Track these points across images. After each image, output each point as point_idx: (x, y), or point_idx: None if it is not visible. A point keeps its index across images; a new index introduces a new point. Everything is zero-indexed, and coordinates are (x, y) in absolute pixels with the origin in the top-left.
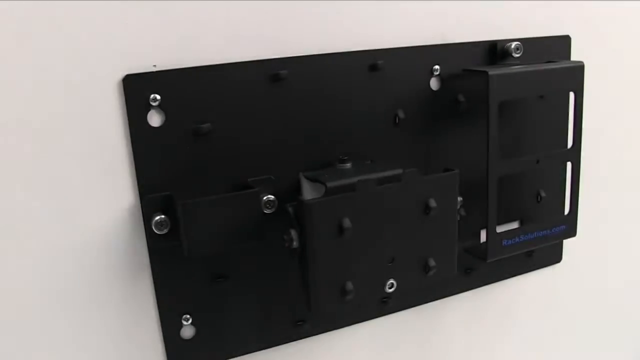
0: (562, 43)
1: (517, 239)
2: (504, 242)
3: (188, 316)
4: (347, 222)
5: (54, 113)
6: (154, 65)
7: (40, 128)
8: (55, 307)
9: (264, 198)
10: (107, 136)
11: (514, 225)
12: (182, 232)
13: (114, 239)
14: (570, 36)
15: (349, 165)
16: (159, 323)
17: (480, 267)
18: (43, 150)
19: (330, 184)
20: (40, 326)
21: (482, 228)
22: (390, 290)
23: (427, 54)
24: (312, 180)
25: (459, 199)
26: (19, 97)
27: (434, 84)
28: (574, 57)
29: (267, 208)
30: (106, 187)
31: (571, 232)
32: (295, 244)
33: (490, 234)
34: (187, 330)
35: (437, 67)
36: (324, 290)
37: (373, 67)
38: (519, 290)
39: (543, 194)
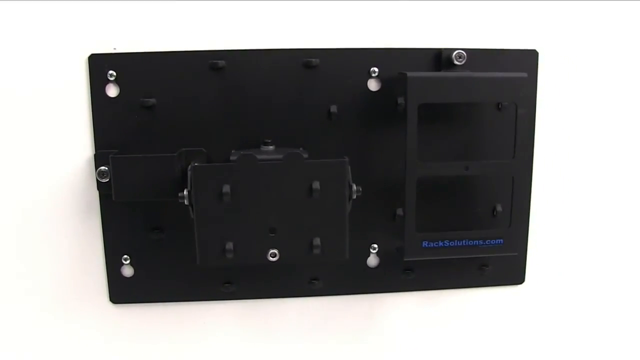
0: (529, 57)
1: (439, 243)
2: (424, 244)
3: (127, 257)
4: (226, 188)
5: (35, 82)
6: (114, 48)
7: (24, 94)
8: (15, 236)
9: (191, 164)
10: (74, 100)
11: None
12: (111, 180)
13: (73, 181)
14: (538, 51)
15: (271, 147)
16: (104, 258)
17: (419, 270)
18: (25, 109)
19: (232, 157)
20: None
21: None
22: (274, 259)
23: (364, 56)
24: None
25: (356, 187)
26: (10, 67)
27: (372, 85)
28: (543, 72)
29: None
30: (70, 140)
31: (510, 248)
32: (186, 201)
33: (408, 233)
34: (127, 270)
35: (375, 69)
36: (206, 245)
37: (307, 65)
38: (466, 304)
39: (499, 209)
